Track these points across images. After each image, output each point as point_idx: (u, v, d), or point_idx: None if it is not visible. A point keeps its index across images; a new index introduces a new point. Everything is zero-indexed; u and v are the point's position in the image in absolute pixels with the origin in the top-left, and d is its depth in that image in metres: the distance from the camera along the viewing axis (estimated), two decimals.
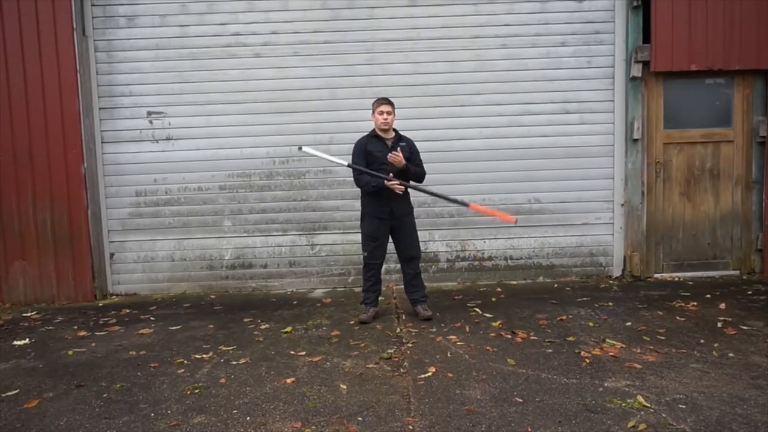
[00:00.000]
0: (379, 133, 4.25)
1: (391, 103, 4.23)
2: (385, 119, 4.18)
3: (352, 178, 5.35)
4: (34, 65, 5.14)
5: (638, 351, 3.59)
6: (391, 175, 4.10)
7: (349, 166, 4.23)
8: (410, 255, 4.38)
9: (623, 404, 2.86)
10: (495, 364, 3.44)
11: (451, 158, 5.41)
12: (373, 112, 4.25)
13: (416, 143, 4.42)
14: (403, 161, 4.09)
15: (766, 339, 3.74)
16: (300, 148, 4.30)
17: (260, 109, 5.45)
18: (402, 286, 5.13)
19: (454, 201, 4.33)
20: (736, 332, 3.88)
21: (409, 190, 4.28)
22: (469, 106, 5.45)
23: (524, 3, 5.39)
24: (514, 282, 5.53)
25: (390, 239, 4.40)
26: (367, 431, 2.68)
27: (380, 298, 4.62)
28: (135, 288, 5.58)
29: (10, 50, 5.12)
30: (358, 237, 5.44)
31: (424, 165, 4.39)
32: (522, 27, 5.40)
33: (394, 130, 4.31)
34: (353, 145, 4.31)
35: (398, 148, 4.15)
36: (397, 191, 4.11)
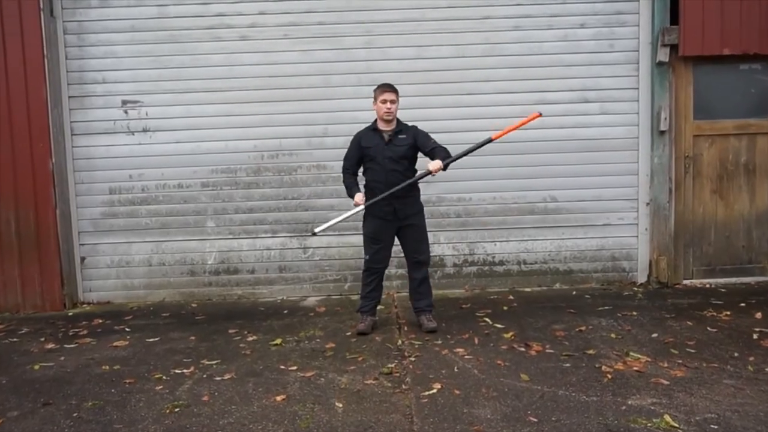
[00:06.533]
0: (380, 124, 4.24)
1: (395, 91, 4.21)
2: (389, 108, 4.17)
3: None
4: None
5: (665, 365, 3.59)
6: (360, 197, 4.20)
7: (366, 207, 4.25)
8: (417, 260, 4.37)
9: (649, 424, 2.86)
10: (507, 380, 3.44)
11: (458, 151, 5.38)
12: (375, 101, 4.23)
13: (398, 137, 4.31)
14: (442, 166, 4.07)
15: None
16: (314, 233, 4.40)
17: (247, 98, 5.44)
18: (404, 294, 5.14)
19: (478, 146, 4.24)
20: None
21: (420, 185, 4.31)
22: (478, 95, 5.45)
23: None
24: (528, 289, 5.53)
25: (397, 241, 4.39)
26: None
27: (379, 306, 4.63)
28: (108, 296, 5.58)
29: None
30: (356, 239, 5.45)
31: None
32: (536, 7, 5.40)
33: (398, 120, 4.30)
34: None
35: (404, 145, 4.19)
36: (357, 203, 4.19)
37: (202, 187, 5.53)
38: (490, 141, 4.23)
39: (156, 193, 5.52)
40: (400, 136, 4.24)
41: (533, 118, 4.25)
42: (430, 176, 4.20)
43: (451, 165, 4.17)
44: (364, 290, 4.42)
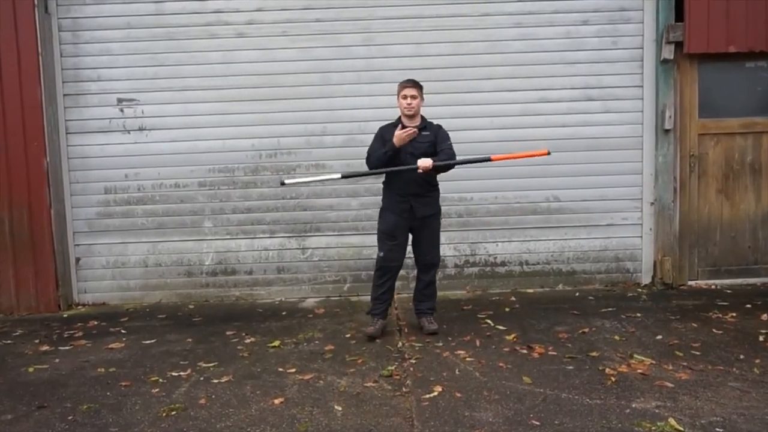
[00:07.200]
0: (404, 120, 4.23)
1: (416, 86, 4.19)
2: (409, 104, 4.15)
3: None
4: None
5: (670, 368, 3.59)
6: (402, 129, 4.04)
7: (343, 176, 4.26)
8: (428, 261, 4.36)
9: (653, 427, 2.86)
10: (509, 383, 3.44)
11: (458, 151, 5.35)
12: (398, 96, 4.23)
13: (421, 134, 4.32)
14: (430, 166, 4.00)
15: None
16: (282, 183, 4.43)
17: (244, 96, 5.45)
18: (404, 295, 5.14)
19: (474, 161, 4.35)
20: None
21: (438, 185, 4.34)
22: (479, 93, 5.45)
23: None
24: (531, 290, 5.54)
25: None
26: None
27: None
28: (104, 297, 5.58)
29: None
30: (355, 240, 5.47)
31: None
32: (538, 3, 5.40)
33: (422, 117, 4.29)
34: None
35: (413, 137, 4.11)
36: (405, 136, 3.98)
37: (199, 187, 5.53)
38: (488, 160, 4.28)
39: (152, 193, 5.52)
40: (423, 133, 4.21)
41: (541, 154, 4.24)
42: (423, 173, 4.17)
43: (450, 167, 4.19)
44: (375, 291, 4.32)
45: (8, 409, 3.33)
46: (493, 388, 3.37)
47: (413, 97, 4.16)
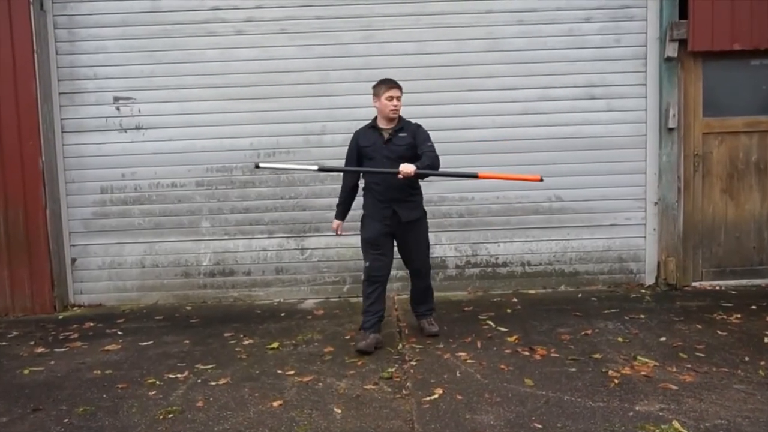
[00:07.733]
0: (381, 121, 4.11)
1: (400, 87, 4.07)
2: (395, 106, 4.03)
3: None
4: None
5: (674, 370, 3.59)
6: (338, 227, 4.30)
7: (320, 169, 4.26)
8: (417, 268, 4.27)
9: (657, 430, 2.86)
10: (510, 385, 3.44)
11: (459, 150, 5.36)
12: (378, 97, 4.06)
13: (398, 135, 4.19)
14: (412, 173, 3.85)
15: None
16: (257, 166, 4.36)
17: (242, 95, 5.44)
18: (405, 296, 5.13)
19: (460, 175, 4.33)
20: None
21: (422, 188, 4.23)
22: (480, 91, 5.45)
23: None
24: (533, 291, 5.53)
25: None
26: None
27: None
28: (100, 298, 5.58)
29: None
30: (355, 240, 5.40)
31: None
32: (540, 0, 5.39)
33: (400, 117, 4.15)
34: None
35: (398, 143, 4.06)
36: (333, 227, 4.28)
37: (196, 187, 5.53)
38: (475, 177, 4.13)
39: (149, 193, 5.52)
40: (400, 135, 4.08)
41: (533, 179, 4.17)
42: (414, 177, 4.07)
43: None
44: (365, 303, 4.18)
45: (3, 411, 3.33)
46: (494, 390, 3.37)
47: (398, 98, 4.04)
